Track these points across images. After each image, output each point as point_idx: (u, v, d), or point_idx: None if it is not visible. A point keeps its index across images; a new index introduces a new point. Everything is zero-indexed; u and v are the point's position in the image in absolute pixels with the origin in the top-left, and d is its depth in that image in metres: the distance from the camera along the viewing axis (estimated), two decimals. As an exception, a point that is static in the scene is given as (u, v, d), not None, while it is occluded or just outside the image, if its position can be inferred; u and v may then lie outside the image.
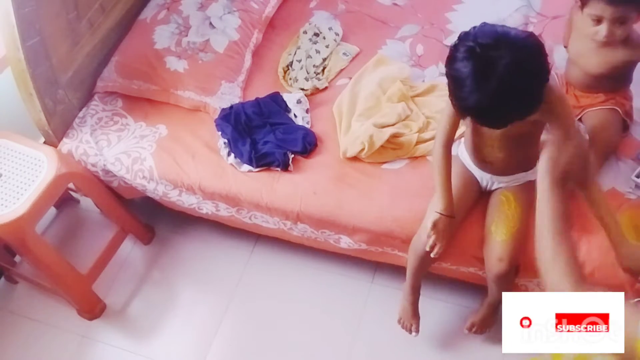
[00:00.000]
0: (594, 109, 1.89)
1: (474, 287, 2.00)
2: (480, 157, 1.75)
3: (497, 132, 1.62)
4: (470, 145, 1.78)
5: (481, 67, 1.32)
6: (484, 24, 1.40)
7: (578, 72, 1.91)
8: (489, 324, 1.94)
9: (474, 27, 1.40)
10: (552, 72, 1.94)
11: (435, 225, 1.70)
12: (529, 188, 1.77)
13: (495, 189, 1.81)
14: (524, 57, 1.33)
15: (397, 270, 2.01)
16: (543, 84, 1.37)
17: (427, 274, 1.92)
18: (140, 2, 2.42)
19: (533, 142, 1.69)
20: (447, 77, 1.42)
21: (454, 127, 1.71)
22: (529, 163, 1.75)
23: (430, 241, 1.71)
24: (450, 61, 1.39)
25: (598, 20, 1.71)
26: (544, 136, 1.75)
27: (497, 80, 1.31)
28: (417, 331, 1.95)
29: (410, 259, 1.83)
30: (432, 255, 1.73)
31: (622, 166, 1.88)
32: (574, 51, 1.90)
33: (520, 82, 1.33)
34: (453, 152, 1.92)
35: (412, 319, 1.94)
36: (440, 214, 1.71)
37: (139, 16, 2.37)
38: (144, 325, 2.22)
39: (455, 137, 1.95)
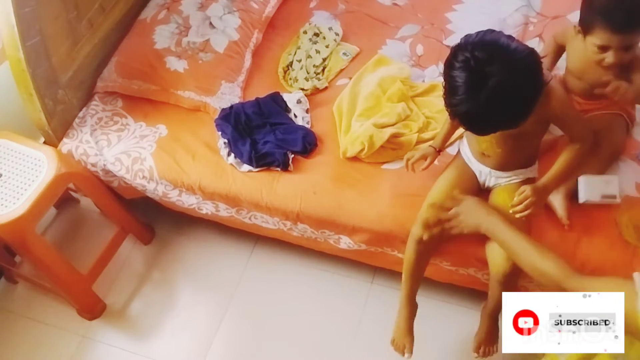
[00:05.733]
0: (599, 112, 1.87)
1: (474, 289, 2.00)
2: (479, 150, 1.75)
3: None
4: (470, 138, 1.78)
5: (473, 80, 1.35)
6: (488, 32, 1.41)
7: (579, 84, 1.87)
8: (494, 338, 1.84)
9: (477, 34, 1.40)
10: (554, 73, 1.94)
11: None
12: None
13: (494, 187, 1.80)
14: (516, 76, 1.36)
15: (397, 271, 2.01)
16: (534, 101, 1.40)
17: (424, 279, 1.90)
18: (140, 2, 2.42)
19: (533, 141, 1.70)
20: (444, 79, 1.45)
21: None
22: (528, 160, 1.75)
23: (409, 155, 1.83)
24: (449, 66, 1.42)
25: (604, 48, 1.69)
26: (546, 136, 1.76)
27: (486, 95, 1.34)
28: (410, 353, 1.80)
29: (408, 250, 1.78)
30: (409, 162, 1.81)
31: (622, 166, 1.88)
32: (575, 69, 1.86)
33: (508, 100, 1.37)
34: (451, 151, 1.93)
35: (405, 337, 1.82)
36: (430, 146, 1.84)
37: (139, 16, 2.37)
38: (144, 325, 2.22)
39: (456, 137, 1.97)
